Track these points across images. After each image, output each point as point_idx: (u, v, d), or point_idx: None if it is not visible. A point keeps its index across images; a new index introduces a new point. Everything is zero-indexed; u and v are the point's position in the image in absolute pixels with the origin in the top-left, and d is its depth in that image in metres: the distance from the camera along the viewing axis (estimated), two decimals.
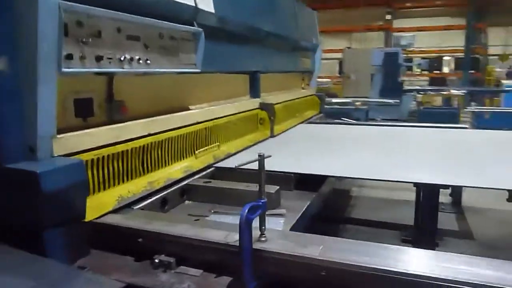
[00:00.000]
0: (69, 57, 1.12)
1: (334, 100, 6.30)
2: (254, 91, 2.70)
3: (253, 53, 2.59)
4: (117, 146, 1.37)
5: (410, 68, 13.38)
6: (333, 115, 5.06)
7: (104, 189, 1.33)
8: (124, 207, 1.35)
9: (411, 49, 13.58)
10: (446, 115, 5.37)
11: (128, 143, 1.43)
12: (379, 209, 3.38)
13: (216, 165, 1.93)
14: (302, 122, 3.51)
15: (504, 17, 14.39)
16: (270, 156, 1.11)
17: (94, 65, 1.21)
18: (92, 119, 1.35)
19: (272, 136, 2.72)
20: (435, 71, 13.26)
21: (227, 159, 2.05)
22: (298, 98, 3.58)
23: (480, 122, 5.24)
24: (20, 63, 1.04)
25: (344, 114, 6.04)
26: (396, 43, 13.30)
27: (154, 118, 1.58)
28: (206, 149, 1.92)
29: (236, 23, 2.19)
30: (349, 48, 12.53)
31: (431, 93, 9.40)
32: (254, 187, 1.58)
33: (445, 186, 1.74)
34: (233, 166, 1.15)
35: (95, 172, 1.28)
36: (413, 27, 14.41)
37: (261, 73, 2.77)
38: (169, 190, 1.56)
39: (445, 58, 14.14)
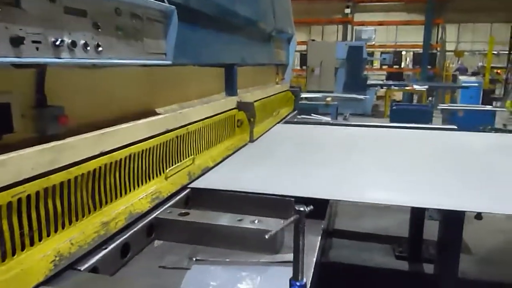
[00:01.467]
0: None
1: (304, 95, 5.98)
2: (231, 88, 2.26)
3: (229, 42, 2.15)
4: (51, 176, 0.90)
5: (369, 63, 13.40)
6: (303, 111, 4.73)
7: (32, 245, 0.86)
8: (66, 269, 0.89)
9: (372, 43, 13.57)
10: (418, 113, 5.19)
11: (71, 169, 0.96)
12: (366, 217, 3.08)
13: (192, 185, 1.50)
14: (279, 122, 3.13)
15: (458, 14, 14.82)
16: (311, 209, 0.69)
17: (7, 52, 0.74)
18: (10, 137, 0.87)
19: (252, 141, 2.31)
20: (394, 66, 13.35)
21: (204, 174, 1.62)
22: (274, 95, 3.19)
23: (455, 120, 5.11)
24: None
25: (313, 110, 5.75)
26: (357, 36, 13.22)
27: (108, 129, 1.12)
28: (179, 166, 1.48)
29: (211, 3, 1.74)
30: (313, 40, 12.28)
31: (395, 88, 9.37)
32: (247, 220, 1.18)
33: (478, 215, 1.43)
34: (266, 237, 0.74)
35: (15, 221, 0.81)
36: (374, 21, 14.45)
37: (238, 66, 2.35)
38: (131, 231, 1.11)
39: (403, 53, 14.31)
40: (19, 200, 0.82)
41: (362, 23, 14.44)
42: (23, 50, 0.77)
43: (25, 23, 0.78)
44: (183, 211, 1.25)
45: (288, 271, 1.02)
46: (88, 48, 0.95)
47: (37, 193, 0.86)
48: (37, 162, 0.87)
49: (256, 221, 1.16)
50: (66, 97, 1.03)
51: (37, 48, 0.81)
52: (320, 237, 1.24)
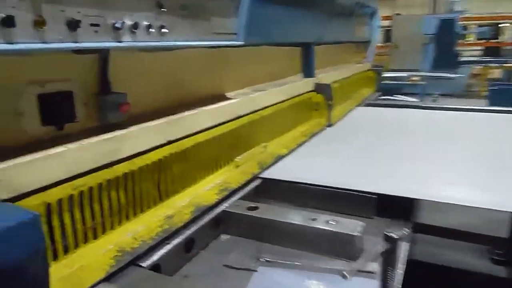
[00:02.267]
0: (8, 22, 0.59)
1: (387, 74, 5.55)
2: (308, 69, 2.11)
3: (306, 19, 1.98)
4: (114, 167, 0.86)
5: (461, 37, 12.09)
6: (386, 92, 4.37)
7: (94, 238, 0.83)
8: (127, 266, 0.85)
9: (466, 15, 12.20)
10: None
11: (134, 159, 0.91)
12: (451, 211, 2.73)
13: (263, 174, 1.40)
14: (359, 104, 2.90)
15: None
16: (406, 233, 0.55)
17: (63, 37, 0.68)
18: (72, 126, 0.84)
19: (330, 125, 2.14)
20: (492, 40, 11.89)
21: (277, 164, 1.51)
22: (354, 75, 2.95)
23: None
24: None
25: (398, 90, 5.32)
26: (449, 8, 11.97)
27: (174, 116, 1.05)
28: (250, 154, 1.39)
29: None
30: (398, 14, 11.38)
31: (492, 65, 8.35)
32: (322, 220, 1.05)
33: None
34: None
35: (76, 215, 0.78)
36: None
37: (316, 45, 2.18)
38: (197, 225, 1.05)
39: (503, 25, 12.68)
40: (80, 193, 0.79)
41: None
42: (80, 34, 0.71)
43: (83, 4, 0.72)
44: (252, 205, 1.16)
45: (369, 284, 0.89)
46: (151, 29, 0.87)
47: (99, 185, 0.83)
48: (99, 153, 0.82)
49: (332, 222, 1.03)
50: (127, 82, 0.98)
51: (95, 32, 0.75)
52: (407, 244, 1.08)
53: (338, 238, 0.99)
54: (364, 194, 1.22)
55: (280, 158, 1.55)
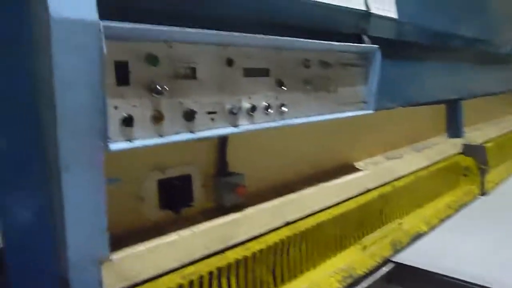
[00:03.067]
0: (128, 121, 0.61)
1: None
2: (454, 128, 1.85)
3: (450, 72, 1.76)
4: (226, 253, 0.82)
5: None
6: None
7: None
8: None
9: None
10: None
11: (248, 243, 0.86)
12: None
13: (397, 258, 1.21)
14: None
15: None
16: None
17: (180, 128, 0.69)
18: (188, 210, 0.83)
19: (484, 194, 1.80)
20: None
21: (414, 244, 1.30)
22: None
23: None
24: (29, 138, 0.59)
25: None
26: None
27: (293, 195, 0.98)
28: (380, 232, 1.22)
29: (427, 30, 1.44)
30: None
31: None
32: None
33: None
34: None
35: None
36: None
37: (463, 100, 1.90)
38: None
39: None
40: (191, 282, 0.76)
41: None
42: (197, 123, 0.71)
43: (200, 94, 0.72)
44: None
45: None
46: (270, 110, 0.84)
47: (210, 273, 0.79)
48: (212, 239, 0.80)
49: None
50: (246, 161, 0.95)
51: (212, 119, 0.74)
52: None
53: None
54: None
55: (418, 237, 1.34)
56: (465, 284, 1.05)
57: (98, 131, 0.58)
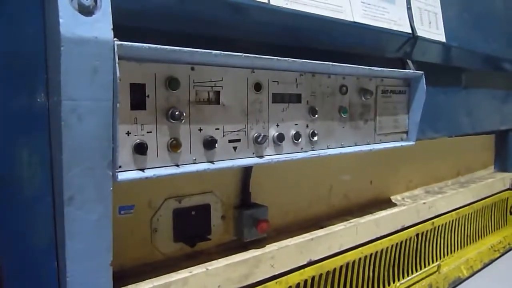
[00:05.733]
0: (140, 149, 0.56)
1: None
2: (503, 161, 1.70)
3: (501, 100, 1.62)
4: None
5: None
6: None
7: None
8: None
9: None
10: None
11: (267, 283, 0.79)
12: None
13: None
14: None
15: None
16: None
17: (198, 158, 0.63)
18: (206, 245, 0.77)
19: None
20: None
21: None
22: None
23: None
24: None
25: None
26: None
27: (318, 232, 0.89)
28: (417, 276, 1.11)
29: (476, 55, 1.32)
30: None
31: None
32: None
33: None
34: None
35: None
36: None
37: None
38: None
39: None
40: None
41: None
42: (217, 152, 0.65)
43: (223, 120, 0.66)
44: None
45: None
46: (300, 140, 0.77)
47: None
48: (228, 278, 0.72)
49: None
50: (270, 193, 0.88)
51: (234, 148, 0.68)
52: None
53: None
54: None
55: (458, 282, 1.21)
56: None
57: (106, 159, 0.53)
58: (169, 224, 0.73)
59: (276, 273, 0.80)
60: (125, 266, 0.69)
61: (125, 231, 0.69)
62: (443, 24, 1.12)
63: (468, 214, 1.36)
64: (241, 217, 0.79)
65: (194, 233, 0.75)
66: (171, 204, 0.73)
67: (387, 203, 1.15)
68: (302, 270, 0.85)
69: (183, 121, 0.60)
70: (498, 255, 1.41)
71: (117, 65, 0.50)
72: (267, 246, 0.80)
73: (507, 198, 1.62)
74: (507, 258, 1.42)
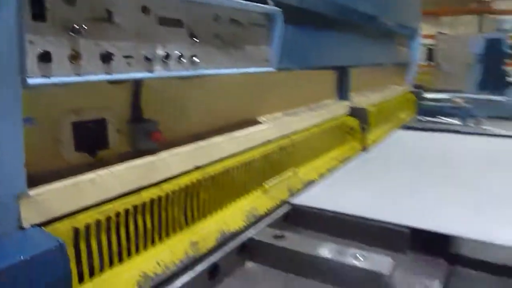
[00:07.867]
0: (45, 57, 0.63)
1: (429, 95, 5.36)
2: (342, 92, 2.09)
3: (342, 42, 1.97)
4: (142, 193, 0.88)
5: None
6: (427, 114, 4.21)
7: (120, 261, 0.84)
8: None
9: None
10: None
11: (162, 184, 0.93)
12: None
13: (292, 201, 1.38)
14: (398, 128, 2.82)
15: None
16: None
17: (96, 69, 0.71)
18: (105, 153, 0.87)
19: (365, 150, 2.09)
20: None
21: (307, 189, 1.49)
22: (392, 97, 2.89)
23: None
24: None
25: (440, 113, 5.13)
26: (498, 27, 11.52)
27: (203, 142, 1.07)
28: (279, 179, 1.38)
29: (325, 2, 1.59)
30: (441, 33, 11.07)
31: None
32: (350, 254, 1.01)
33: None
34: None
35: (103, 239, 0.80)
36: None
37: (352, 68, 2.15)
38: (222, 252, 1.04)
39: None
40: (108, 219, 0.81)
41: (504, 12, 12.50)
42: (113, 66, 0.74)
43: (117, 38, 0.75)
44: (279, 234, 1.14)
45: None
46: (183, 60, 0.90)
47: (126, 211, 0.84)
48: (128, 179, 0.85)
49: (360, 256, 1.00)
50: (158, 109, 1.00)
51: (128, 64, 0.77)
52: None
53: (366, 275, 0.96)
54: (394, 228, 1.18)
55: (310, 183, 1.53)
56: (349, 217, 1.25)
57: (15, 66, 0.58)
58: (70, 135, 0.80)
59: (170, 176, 0.95)
60: (35, 173, 0.75)
61: (31, 141, 0.74)
62: None
63: (317, 132, 1.69)
64: (135, 130, 0.90)
65: (94, 144, 0.84)
66: (69, 117, 0.80)
67: (255, 122, 1.37)
68: (190, 174, 1.01)
69: (82, 35, 0.68)
70: (339, 163, 1.80)
71: None
72: (160, 154, 0.94)
73: (346, 121, 2.02)
74: (345, 166, 1.82)
